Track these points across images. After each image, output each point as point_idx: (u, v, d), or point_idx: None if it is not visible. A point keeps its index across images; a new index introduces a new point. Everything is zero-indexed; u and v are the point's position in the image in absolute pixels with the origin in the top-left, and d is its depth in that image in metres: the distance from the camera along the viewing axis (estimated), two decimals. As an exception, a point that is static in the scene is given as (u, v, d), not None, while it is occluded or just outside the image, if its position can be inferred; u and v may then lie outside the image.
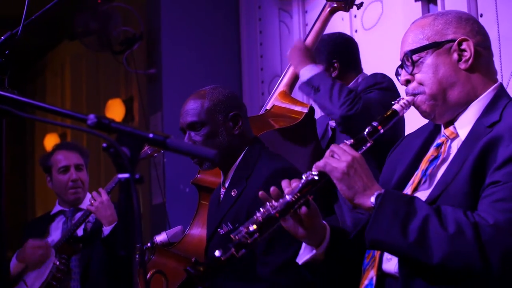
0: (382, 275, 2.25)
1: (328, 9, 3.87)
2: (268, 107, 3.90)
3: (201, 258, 3.25)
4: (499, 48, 3.92)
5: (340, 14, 4.37)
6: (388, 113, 2.31)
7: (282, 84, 3.96)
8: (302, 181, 2.20)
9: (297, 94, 4.04)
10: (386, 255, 2.25)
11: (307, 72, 3.68)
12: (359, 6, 3.87)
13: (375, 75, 3.74)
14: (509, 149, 2.09)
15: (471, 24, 2.36)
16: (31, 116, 1.84)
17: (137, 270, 1.67)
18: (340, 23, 4.99)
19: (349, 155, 2.17)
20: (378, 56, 4.76)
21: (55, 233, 4.64)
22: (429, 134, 2.44)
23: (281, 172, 2.92)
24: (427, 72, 2.31)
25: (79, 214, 4.58)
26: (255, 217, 2.19)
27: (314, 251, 2.33)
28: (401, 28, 4.67)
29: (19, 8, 2.54)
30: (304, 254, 2.37)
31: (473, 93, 2.31)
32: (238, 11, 6.41)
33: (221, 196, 3.13)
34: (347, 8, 3.87)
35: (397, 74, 2.44)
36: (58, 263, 4.40)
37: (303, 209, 2.23)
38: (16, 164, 10.06)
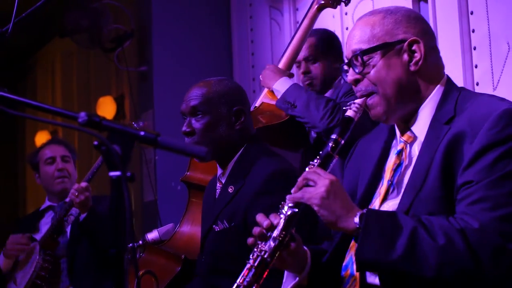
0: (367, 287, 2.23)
1: (316, 6, 3.88)
2: (257, 104, 3.91)
3: (190, 255, 3.26)
4: (489, 45, 3.93)
5: (330, 11, 4.39)
6: (343, 122, 2.28)
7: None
8: (284, 216, 2.17)
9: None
10: None
11: (279, 86, 3.72)
12: (347, 2, 3.88)
13: None
14: (473, 146, 2.07)
15: (420, 24, 2.33)
16: (22, 114, 1.84)
17: (128, 268, 1.66)
18: (330, 20, 4.99)
19: (325, 179, 2.12)
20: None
21: (45, 229, 4.65)
22: (385, 139, 2.40)
23: (279, 174, 2.91)
24: (379, 72, 2.27)
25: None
26: (248, 265, 2.17)
27: (297, 279, 2.30)
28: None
29: (9, 5, 2.54)
30: (288, 283, 2.33)
31: (424, 92, 2.29)
32: (229, 8, 6.41)
33: (217, 191, 3.11)
34: (334, 5, 3.88)
35: (344, 71, 2.39)
36: (41, 261, 4.40)
37: (292, 244, 2.22)
38: (7, 162, 10.03)
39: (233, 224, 2.91)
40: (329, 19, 4.94)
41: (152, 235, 3.58)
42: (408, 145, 2.29)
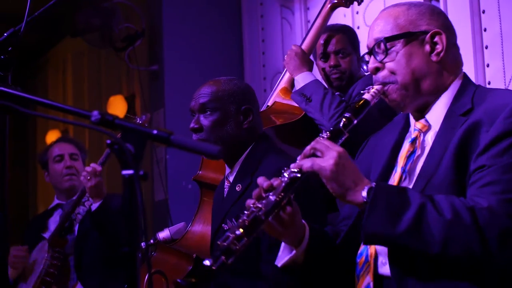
0: (379, 278, 2.23)
1: (329, 5, 3.88)
2: (270, 103, 3.91)
3: (202, 254, 3.26)
4: (501, 44, 3.92)
5: (342, 10, 4.37)
6: (360, 103, 2.28)
7: (284, 81, 3.97)
8: (285, 179, 2.14)
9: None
10: (381, 260, 2.23)
11: (301, 79, 3.72)
12: (360, 1, 3.88)
13: (371, 75, 3.75)
14: (490, 134, 2.09)
15: (443, 18, 2.37)
16: (35, 113, 1.84)
17: (140, 266, 1.66)
18: (342, 19, 4.99)
19: (333, 150, 2.10)
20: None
21: (54, 227, 4.66)
22: (400, 131, 2.42)
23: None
24: (400, 61, 2.29)
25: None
26: (240, 220, 2.11)
27: (294, 252, 2.27)
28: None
29: (21, 4, 2.54)
30: (283, 256, 2.31)
31: (442, 84, 2.31)
32: (240, 8, 6.41)
33: (225, 190, 3.11)
34: (347, 4, 3.88)
35: (364, 60, 2.42)
36: (50, 258, 4.41)
37: (288, 208, 2.19)
38: (18, 159, 10.06)
39: None
40: (340, 18, 4.94)
41: (163, 234, 3.58)
42: (422, 133, 2.31)
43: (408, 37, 2.30)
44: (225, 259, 2.05)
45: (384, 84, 2.32)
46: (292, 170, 2.14)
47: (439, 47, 2.30)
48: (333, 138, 2.21)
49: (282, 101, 3.82)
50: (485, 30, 4.04)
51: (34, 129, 9.99)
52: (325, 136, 2.21)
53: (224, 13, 6.41)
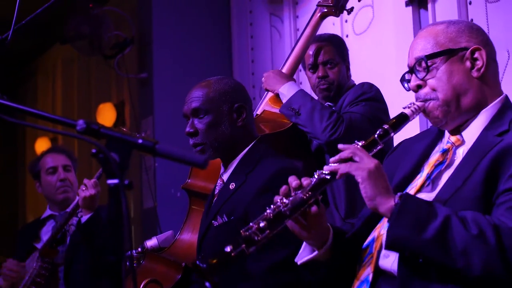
0: (378, 272, 2.24)
1: (319, 14, 3.88)
2: (259, 112, 3.90)
3: (191, 263, 3.25)
4: (489, 53, 3.94)
5: (331, 19, 4.38)
6: (399, 117, 2.32)
7: (273, 89, 3.96)
8: (314, 179, 2.18)
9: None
10: (384, 252, 2.23)
11: (285, 90, 3.71)
12: (350, 11, 3.89)
13: (362, 84, 3.76)
14: None
15: (482, 35, 2.41)
16: (22, 122, 1.84)
17: (126, 276, 1.66)
18: (331, 28, 4.99)
19: (371, 158, 2.16)
20: (369, 61, 4.76)
21: (46, 238, 4.63)
22: (431, 140, 2.45)
23: (286, 172, 2.88)
24: (441, 78, 2.33)
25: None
26: (265, 213, 2.14)
27: (316, 252, 2.31)
28: (392, 33, 4.69)
29: (9, 11, 2.53)
30: (304, 254, 2.34)
31: (483, 101, 2.34)
32: (229, 16, 6.42)
33: (217, 188, 3.11)
34: (337, 13, 3.89)
35: (404, 80, 2.46)
36: (39, 268, 4.39)
37: (313, 208, 2.20)
38: (7, 167, 10.03)
39: (233, 218, 2.90)
40: (329, 27, 4.94)
41: (151, 242, 3.57)
42: (454, 147, 2.34)
43: (449, 54, 2.33)
44: (246, 248, 2.10)
45: (425, 101, 2.35)
46: (323, 172, 2.18)
47: (479, 63, 2.33)
48: (368, 146, 2.24)
49: (271, 109, 3.82)
50: (473, 38, 4.05)
51: (23, 137, 9.97)
52: (360, 144, 2.24)
53: (214, 21, 6.42)
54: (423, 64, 2.35)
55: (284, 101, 3.71)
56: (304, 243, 2.35)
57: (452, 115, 2.33)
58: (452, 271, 2.03)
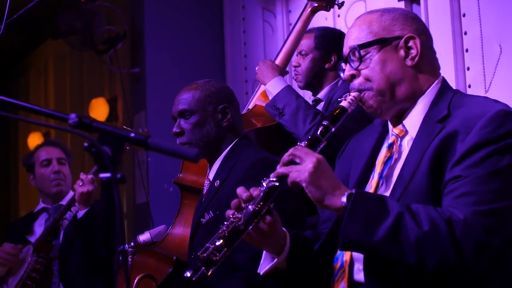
0: (353, 284, 2.23)
1: (309, 8, 3.88)
2: (251, 106, 3.91)
3: (182, 256, 3.26)
4: (482, 48, 3.94)
5: (323, 13, 4.39)
6: (337, 111, 2.29)
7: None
8: (263, 188, 2.15)
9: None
10: (357, 266, 2.23)
11: (271, 86, 3.69)
12: (340, 5, 3.89)
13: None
14: (465, 144, 2.09)
15: (417, 23, 2.37)
16: (14, 116, 1.84)
17: (118, 271, 1.66)
18: (323, 22, 5.00)
19: (312, 156, 2.12)
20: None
21: (39, 231, 4.64)
22: (378, 135, 2.43)
23: (262, 161, 2.99)
24: (375, 67, 2.30)
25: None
26: (220, 231, 2.13)
27: (276, 260, 2.28)
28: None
29: (0, 6, 2.53)
30: (265, 264, 2.32)
31: (419, 89, 2.31)
32: (222, 10, 6.41)
33: (205, 188, 3.19)
34: (328, 8, 3.89)
35: (340, 69, 2.42)
36: (34, 262, 4.39)
37: (267, 218, 2.18)
38: (-1, 162, 10.03)
39: (218, 212, 2.97)
40: (322, 21, 4.95)
41: (144, 237, 3.57)
42: (399, 139, 2.32)
43: (382, 43, 2.30)
44: (205, 270, 2.08)
45: (360, 91, 2.32)
46: (271, 179, 2.16)
47: (413, 52, 2.30)
48: (311, 146, 2.22)
49: (263, 104, 3.82)
50: (465, 33, 4.05)
51: (16, 131, 9.95)
52: (303, 144, 2.22)
53: (206, 16, 6.42)
54: (356, 54, 2.31)
55: (270, 98, 3.70)
56: (264, 253, 2.33)
57: (387, 104, 2.31)
58: (407, 267, 2.03)
